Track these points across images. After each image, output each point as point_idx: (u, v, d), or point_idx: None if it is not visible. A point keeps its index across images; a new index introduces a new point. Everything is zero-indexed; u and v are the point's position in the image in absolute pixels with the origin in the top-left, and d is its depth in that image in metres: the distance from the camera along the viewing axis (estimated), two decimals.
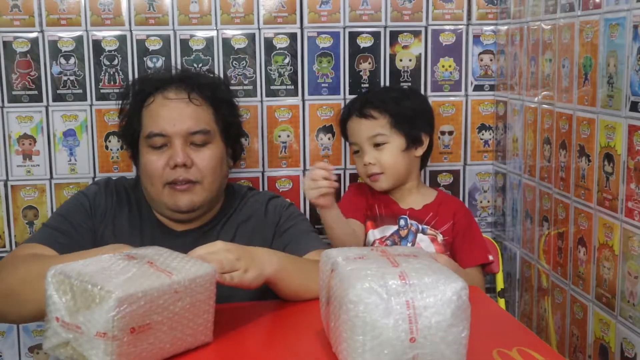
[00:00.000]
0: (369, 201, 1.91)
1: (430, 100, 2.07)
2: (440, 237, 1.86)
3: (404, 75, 2.11)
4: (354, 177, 2.13)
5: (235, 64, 2.04)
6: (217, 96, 1.72)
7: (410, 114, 1.86)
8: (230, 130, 1.74)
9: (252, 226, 1.70)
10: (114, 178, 1.78)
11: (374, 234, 1.88)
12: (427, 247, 1.85)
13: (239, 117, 1.83)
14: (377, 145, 1.84)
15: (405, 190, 1.91)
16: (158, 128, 1.62)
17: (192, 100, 1.65)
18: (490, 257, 1.89)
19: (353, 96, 2.07)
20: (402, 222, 1.87)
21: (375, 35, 2.08)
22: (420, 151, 1.89)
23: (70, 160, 2.02)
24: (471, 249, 1.86)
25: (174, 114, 1.63)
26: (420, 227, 1.87)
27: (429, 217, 1.88)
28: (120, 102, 1.79)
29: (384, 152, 1.84)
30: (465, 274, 1.78)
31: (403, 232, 1.87)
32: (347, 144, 2.11)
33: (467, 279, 1.78)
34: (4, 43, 1.95)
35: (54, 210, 2.01)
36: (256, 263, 1.32)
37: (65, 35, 1.97)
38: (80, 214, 1.64)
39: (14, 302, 1.38)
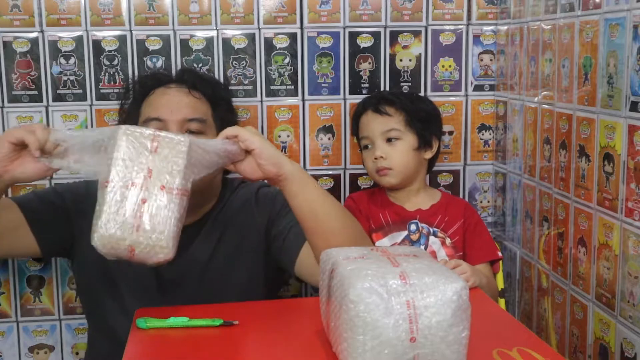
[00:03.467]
0: (372, 212, 1.90)
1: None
2: (448, 241, 1.86)
3: (404, 75, 2.11)
4: (354, 177, 2.13)
5: (235, 64, 2.04)
6: (217, 94, 1.75)
7: (424, 115, 1.89)
8: None
9: (243, 218, 1.69)
10: None
11: (383, 243, 1.87)
12: (437, 250, 1.85)
13: (236, 119, 1.87)
14: (389, 140, 1.85)
15: (412, 191, 1.91)
16: (156, 113, 1.64)
17: (192, 93, 1.68)
18: (500, 254, 1.90)
19: (353, 96, 2.07)
20: (413, 227, 1.87)
21: (375, 35, 2.08)
22: (429, 154, 1.90)
23: None
24: (481, 246, 1.87)
25: (172, 102, 1.66)
26: (431, 229, 1.87)
27: (439, 220, 1.88)
28: (121, 101, 1.81)
29: (396, 147, 1.84)
30: (488, 278, 1.79)
31: (414, 237, 1.86)
32: (350, 143, 2.11)
33: (491, 281, 1.81)
34: (4, 43, 1.95)
35: None
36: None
37: (65, 35, 1.97)
38: (72, 194, 1.68)
39: None
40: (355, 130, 1.95)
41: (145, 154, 1.21)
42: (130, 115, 1.73)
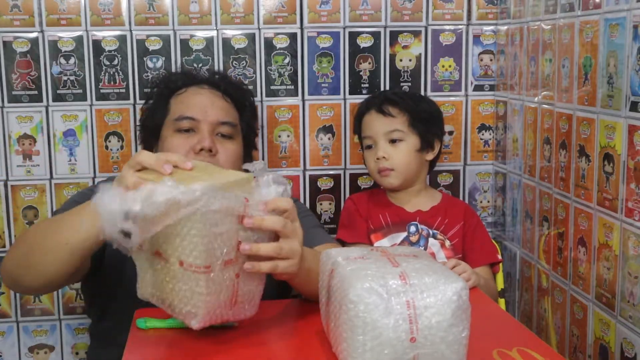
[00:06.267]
0: (371, 213, 1.90)
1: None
2: (448, 243, 1.86)
3: (404, 75, 2.11)
4: (354, 177, 2.13)
5: (235, 64, 2.04)
6: (245, 100, 1.78)
7: (427, 116, 1.90)
8: (250, 136, 1.79)
9: None
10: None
11: (383, 244, 1.87)
12: (437, 252, 1.85)
13: (257, 128, 1.89)
14: (392, 141, 1.85)
15: (412, 192, 1.91)
16: (189, 112, 1.65)
17: (224, 97, 1.69)
18: (499, 256, 1.91)
19: (353, 96, 2.07)
20: (412, 228, 1.87)
21: (375, 35, 2.08)
22: (430, 155, 1.90)
23: (70, 160, 2.02)
24: (481, 248, 1.87)
25: (206, 102, 1.67)
26: (430, 231, 1.87)
27: (439, 221, 1.88)
28: (146, 99, 1.82)
29: (399, 148, 1.85)
30: (486, 280, 1.79)
31: (414, 238, 1.87)
32: (350, 143, 2.11)
33: (490, 284, 1.81)
34: (4, 43, 1.95)
35: (54, 208, 2.01)
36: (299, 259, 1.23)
37: (65, 35, 1.97)
38: None
39: (25, 267, 1.34)
40: (358, 129, 1.95)
41: None
42: (156, 113, 1.72)
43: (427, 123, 1.89)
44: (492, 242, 1.93)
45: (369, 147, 1.89)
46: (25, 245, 1.37)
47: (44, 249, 1.29)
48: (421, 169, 1.90)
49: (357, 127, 1.96)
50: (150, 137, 1.74)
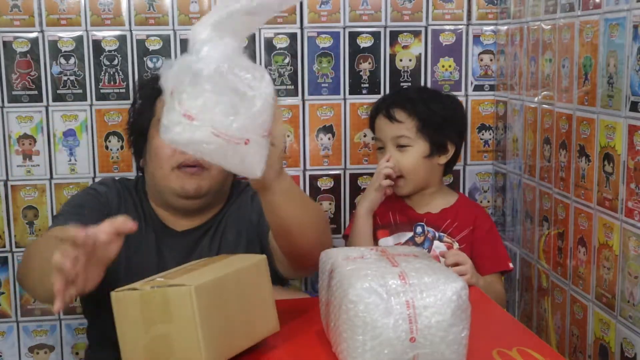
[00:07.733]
0: (381, 209, 1.86)
1: None
2: (456, 245, 1.83)
3: (404, 75, 2.11)
4: (353, 177, 2.13)
5: None
6: None
7: (439, 119, 1.83)
8: None
9: (240, 215, 1.70)
10: (116, 178, 1.79)
11: (387, 241, 1.85)
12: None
13: None
14: (400, 146, 1.83)
15: (426, 195, 1.88)
16: None
17: None
18: (511, 265, 1.85)
19: (353, 96, 2.07)
20: (418, 229, 1.85)
21: (375, 35, 2.08)
22: (443, 159, 1.85)
23: (70, 160, 2.02)
24: (492, 255, 1.82)
25: None
26: (437, 234, 1.85)
27: (447, 224, 1.85)
28: (134, 99, 1.81)
29: (406, 155, 1.82)
30: (490, 285, 1.76)
31: (419, 239, 1.84)
32: (350, 143, 2.11)
33: (498, 290, 1.78)
34: (4, 43, 1.95)
35: (54, 210, 2.01)
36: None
37: (65, 35, 1.97)
38: (95, 204, 1.64)
39: (32, 288, 1.45)
40: (372, 129, 1.93)
41: None
42: (143, 115, 1.72)
43: (439, 126, 1.82)
44: (504, 250, 1.88)
45: (381, 148, 1.88)
46: (26, 267, 1.45)
47: (40, 273, 1.32)
48: (432, 173, 1.86)
49: (371, 126, 1.93)
50: (139, 138, 1.74)
